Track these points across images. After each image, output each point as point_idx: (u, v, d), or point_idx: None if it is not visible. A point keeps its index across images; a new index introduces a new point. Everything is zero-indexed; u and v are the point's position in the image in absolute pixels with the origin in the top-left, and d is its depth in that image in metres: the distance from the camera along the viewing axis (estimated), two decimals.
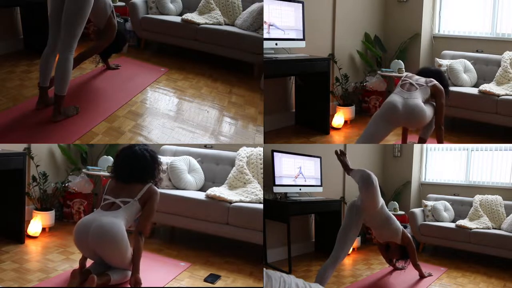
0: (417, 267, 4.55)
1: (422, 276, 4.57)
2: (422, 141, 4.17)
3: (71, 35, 3.58)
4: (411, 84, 3.86)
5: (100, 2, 3.94)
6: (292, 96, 5.24)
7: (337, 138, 5.03)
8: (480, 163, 6.17)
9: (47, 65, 3.73)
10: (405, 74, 4.05)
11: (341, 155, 4.25)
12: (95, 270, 3.22)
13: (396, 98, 3.81)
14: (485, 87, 4.98)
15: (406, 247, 4.44)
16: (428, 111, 3.83)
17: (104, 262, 3.33)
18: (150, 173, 3.54)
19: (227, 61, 5.18)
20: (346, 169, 4.23)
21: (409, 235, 4.45)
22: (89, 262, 3.45)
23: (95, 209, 3.50)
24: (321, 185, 5.30)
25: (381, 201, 4.08)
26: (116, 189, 3.48)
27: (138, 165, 3.50)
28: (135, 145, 3.58)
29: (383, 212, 4.15)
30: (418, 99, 3.79)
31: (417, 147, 6.42)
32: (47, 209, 4.65)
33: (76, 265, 3.60)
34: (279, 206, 4.70)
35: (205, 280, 3.66)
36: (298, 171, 4.97)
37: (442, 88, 3.91)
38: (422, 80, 3.90)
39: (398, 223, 4.33)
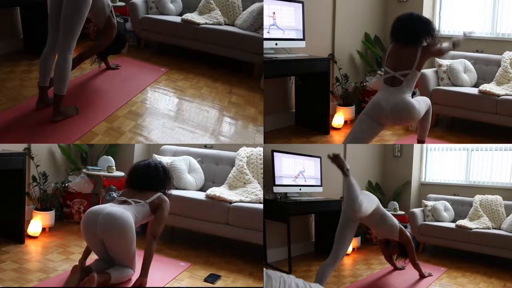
0: (416, 266, 4.55)
1: (422, 276, 4.57)
2: (421, 142, 4.14)
3: (70, 35, 3.57)
4: (394, 77, 3.55)
5: (98, 2, 3.94)
6: (292, 96, 5.24)
7: (337, 138, 5.03)
8: (480, 163, 6.17)
9: (46, 64, 3.72)
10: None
11: (334, 159, 3.56)
12: (96, 268, 3.22)
13: (380, 95, 3.60)
14: (485, 87, 4.98)
15: (405, 245, 4.45)
16: (418, 105, 3.61)
17: (106, 259, 3.33)
18: (161, 183, 3.67)
19: (227, 61, 5.18)
20: (344, 171, 3.58)
21: (408, 233, 4.45)
22: (88, 263, 3.45)
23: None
24: (321, 185, 5.30)
25: (376, 201, 4.06)
26: (129, 193, 3.58)
27: (151, 174, 3.65)
28: (149, 159, 3.88)
29: (379, 211, 4.14)
30: (404, 94, 3.53)
31: (417, 147, 6.42)
32: (47, 209, 4.65)
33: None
34: (279, 206, 4.70)
35: (205, 280, 3.66)
36: (298, 171, 4.97)
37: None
38: (405, 69, 3.50)
39: (394, 220, 4.33)
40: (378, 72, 5.68)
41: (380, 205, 4.17)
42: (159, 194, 3.60)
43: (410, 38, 3.54)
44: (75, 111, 3.80)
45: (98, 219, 3.26)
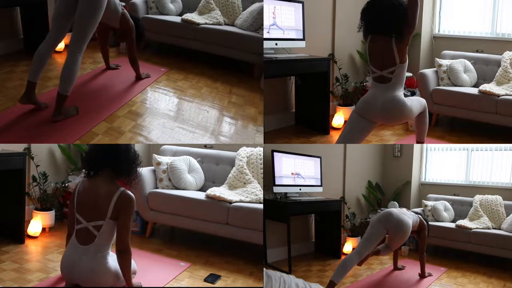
0: (422, 256, 4.60)
1: (422, 272, 4.60)
2: (420, 143, 4.12)
3: (83, 37, 3.55)
4: (382, 75, 3.44)
5: (111, 3, 3.98)
6: (292, 96, 5.24)
7: (337, 138, 5.02)
8: (480, 163, 6.17)
9: (41, 62, 3.65)
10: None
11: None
12: None
13: (371, 93, 3.54)
14: (485, 87, 4.98)
15: (419, 232, 4.56)
16: (410, 103, 3.49)
17: None
18: (131, 164, 3.21)
19: (227, 61, 5.18)
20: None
21: (425, 223, 4.58)
22: None
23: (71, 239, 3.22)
24: (321, 185, 5.30)
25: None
26: (85, 203, 3.14)
27: (108, 151, 3.19)
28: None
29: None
30: (395, 90, 3.43)
31: (417, 147, 6.42)
32: (47, 209, 4.65)
33: None
34: (279, 206, 4.70)
35: (205, 280, 3.66)
36: (295, 172, 4.97)
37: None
38: (390, 67, 3.40)
39: (415, 217, 4.48)
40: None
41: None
42: (118, 193, 3.10)
43: (382, 29, 3.36)
44: (75, 111, 3.79)
45: (74, 276, 3.13)
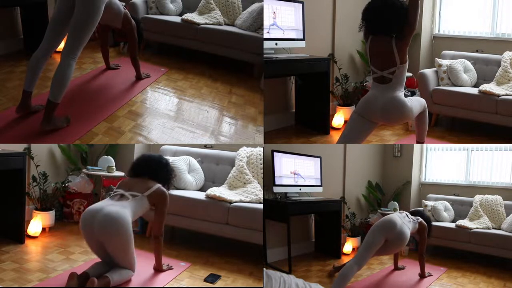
0: (421, 258, 4.58)
1: (422, 273, 4.60)
2: (420, 143, 4.12)
3: (79, 41, 3.44)
4: (382, 76, 3.45)
5: (113, 4, 3.98)
6: (292, 96, 5.24)
7: (337, 138, 5.01)
8: (480, 163, 6.17)
9: (36, 69, 3.55)
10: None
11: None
12: (94, 273, 3.22)
13: (371, 93, 3.54)
14: (485, 87, 4.98)
15: (419, 234, 4.50)
16: (410, 103, 3.49)
17: (105, 260, 3.34)
18: (165, 175, 3.74)
19: (227, 61, 5.18)
20: None
21: (425, 224, 4.51)
22: (86, 267, 3.45)
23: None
24: (321, 185, 5.30)
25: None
26: (128, 184, 3.62)
27: (152, 162, 3.75)
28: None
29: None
30: (395, 90, 3.44)
31: (417, 147, 6.42)
32: (47, 209, 4.65)
33: (76, 265, 3.61)
34: (279, 206, 4.70)
35: (205, 280, 3.66)
36: (294, 171, 4.98)
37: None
38: (390, 67, 3.41)
39: (414, 224, 4.39)
40: None
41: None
42: (157, 186, 3.60)
43: (382, 29, 3.37)
44: (66, 122, 3.62)
45: (95, 220, 3.26)
